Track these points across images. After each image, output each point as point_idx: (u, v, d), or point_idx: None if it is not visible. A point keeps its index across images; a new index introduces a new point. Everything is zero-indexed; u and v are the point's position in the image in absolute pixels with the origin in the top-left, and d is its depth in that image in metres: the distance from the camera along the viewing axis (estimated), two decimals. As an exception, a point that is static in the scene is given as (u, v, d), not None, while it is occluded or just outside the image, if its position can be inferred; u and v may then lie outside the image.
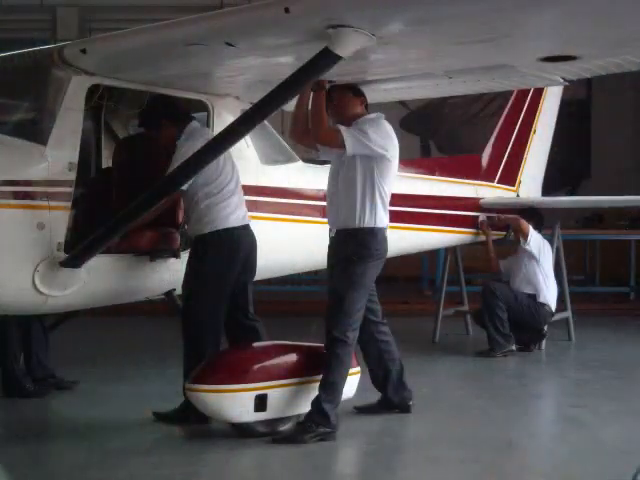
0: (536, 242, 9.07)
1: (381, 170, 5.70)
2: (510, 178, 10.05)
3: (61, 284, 5.55)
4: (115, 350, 9.10)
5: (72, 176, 5.61)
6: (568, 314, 9.74)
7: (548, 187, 10.99)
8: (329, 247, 5.87)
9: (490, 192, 9.61)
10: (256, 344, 5.89)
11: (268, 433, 5.49)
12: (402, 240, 7.90)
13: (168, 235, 6.14)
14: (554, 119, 10.65)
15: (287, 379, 5.55)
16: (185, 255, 6.01)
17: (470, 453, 5.28)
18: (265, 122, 6.13)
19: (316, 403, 5.47)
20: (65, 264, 5.50)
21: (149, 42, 5.33)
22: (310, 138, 5.89)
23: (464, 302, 10.32)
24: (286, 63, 5.31)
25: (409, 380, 6.25)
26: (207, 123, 6.43)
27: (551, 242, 9.46)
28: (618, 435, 5.76)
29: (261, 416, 5.46)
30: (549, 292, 9.02)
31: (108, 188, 6.30)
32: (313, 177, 7.14)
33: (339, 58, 4.88)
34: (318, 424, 5.42)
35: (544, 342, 9.10)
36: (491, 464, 5.10)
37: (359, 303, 5.66)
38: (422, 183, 8.65)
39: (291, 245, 7.05)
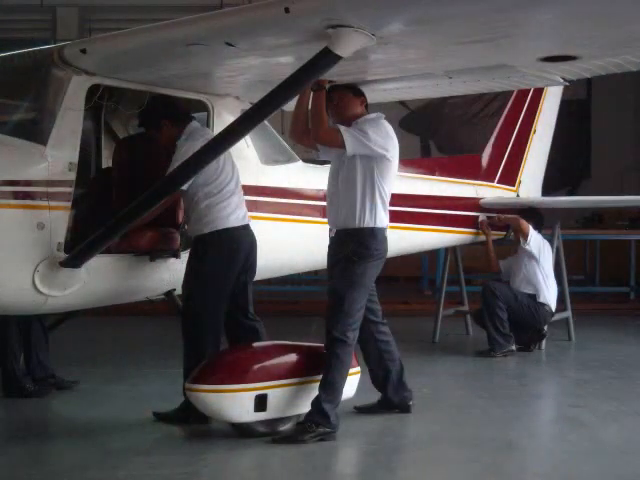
0: (536, 242, 9.07)
1: (381, 170, 5.70)
2: (510, 178, 10.06)
3: (61, 284, 5.55)
4: (115, 350, 9.11)
5: (72, 176, 5.61)
6: (568, 314, 9.75)
7: (548, 187, 10.99)
8: (329, 247, 5.87)
9: (490, 192, 9.61)
10: (256, 344, 5.89)
11: (268, 433, 5.49)
12: (402, 240, 7.90)
13: (168, 235, 6.14)
14: (554, 119, 10.65)
15: (287, 379, 5.54)
16: (185, 255, 6.01)
17: (470, 453, 5.28)
18: (265, 122, 6.13)
19: (316, 403, 5.47)
20: (65, 264, 5.49)
21: (149, 42, 5.33)
22: (310, 138, 5.89)
23: (464, 302, 10.32)
24: (286, 63, 5.32)
25: (409, 380, 6.25)
26: (207, 123, 6.43)
27: (551, 242, 9.47)
28: (618, 435, 5.76)
29: (261, 416, 5.46)
30: (549, 292, 9.02)
31: (108, 188, 6.30)
32: (313, 177, 7.14)
33: (339, 58, 4.88)
34: (318, 424, 5.42)
35: (544, 342, 9.10)
36: (491, 464, 5.09)
37: (359, 303, 5.66)
38: (422, 183, 8.65)
39: (291, 245, 7.04)
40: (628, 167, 17.62)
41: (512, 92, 9.89)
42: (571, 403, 6.77)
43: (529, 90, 9.89)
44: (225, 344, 6.03)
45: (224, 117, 6.39)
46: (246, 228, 5.93)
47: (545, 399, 7.33)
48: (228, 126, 5.46)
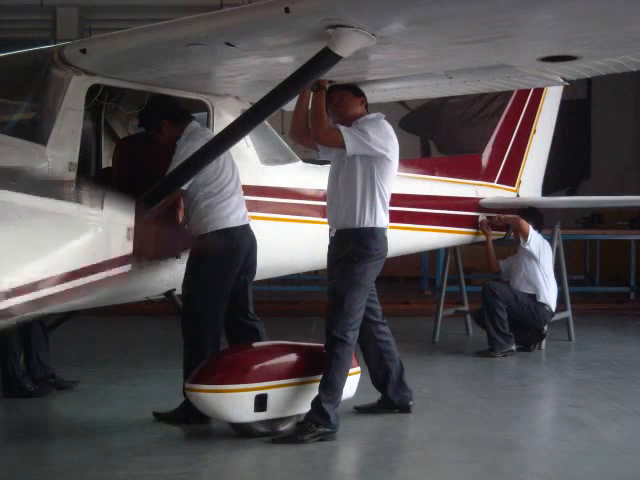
0: (536, 242, 9.07)
1: (381, 170, 5.70)
2: (510, 178, 10.06)
3: (61, 284, 5.54)
4: (115, 350, 9.11)
5: (72, 176, 5.60)
6: (568, 314, 9.75)
7: (548, 187, 10.99)
8: (329, 247, 5.87)
9: (490, 192, 9.61)
10: (256, 344, 5.89)
11: (268, 433, 5.49)
12: (402, 240, 7.90)
13: (168, 235, 6.14)
14: (554, 119, 10.65)
15: (287, 379, 5.54)
16: (185, 255, 6.00)
17: (470, 453, 5.29)
18: (265, 122, 6.13)
19: (316, 403, 5.47)
20: (65, 264, 5.48)
21: (149, 42, 5.33)
22: (310, 138, 5.89)
23: (464, 302, 10.31)
24: (286, 63, 5.32)
25: (409, 380, 6.25)
26: (207, 123, 6.43)
27: (551, 242, 9.47)
28: (618, 435, 5.76)
29: (261, 416, 5.46)
30: (549, 292, 9.02)
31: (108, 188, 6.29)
32: (313, 177, 7.14)
33: (339, 58, 4.88)
34: (318, 424, 5.42)
35: (544, 342, 9.10)
36: (491, 464, 5.09)
37: (359, 303, 5.66)
38: (422, 183, 8.66)
39: (291, 245, 7.04)
40: (628, 167, 17.63)
41: (512, 92, 9.89)
42: (571, 403, 6.77)
43: (529, 90, 9.89)
44: (225, 344, 6.03)
45: (224, 117, 6.39)
46: (246, 228, 5.93)
47: (545, 399, 7.33)
48: (228, 126, 5.46)
